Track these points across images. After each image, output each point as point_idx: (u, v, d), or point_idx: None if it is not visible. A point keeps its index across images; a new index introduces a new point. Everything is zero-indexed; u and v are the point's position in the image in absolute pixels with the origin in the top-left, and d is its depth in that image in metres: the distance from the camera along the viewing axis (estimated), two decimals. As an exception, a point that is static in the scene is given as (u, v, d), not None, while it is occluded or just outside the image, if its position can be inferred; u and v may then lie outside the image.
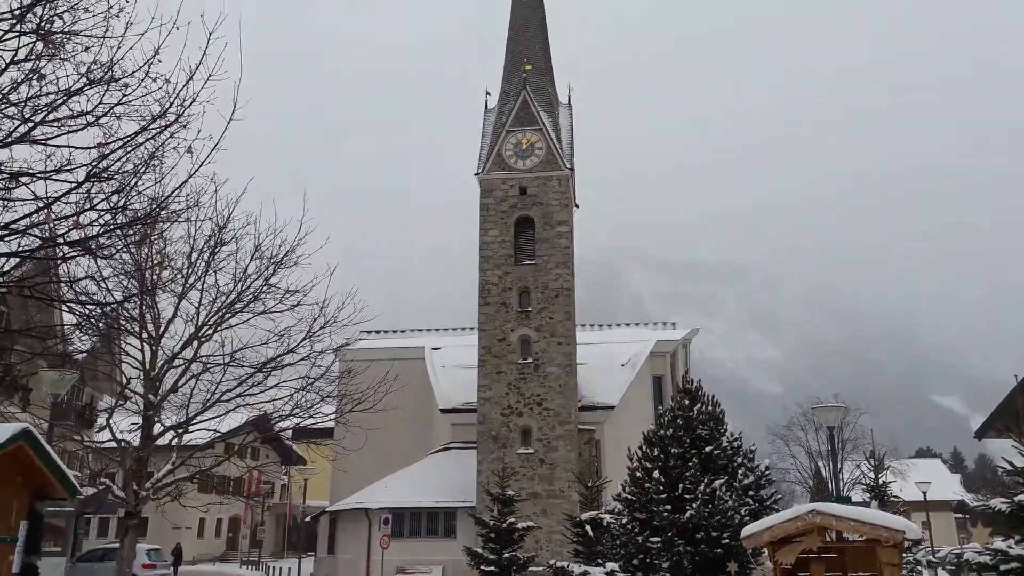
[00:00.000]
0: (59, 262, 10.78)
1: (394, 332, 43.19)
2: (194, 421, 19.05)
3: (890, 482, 26.77)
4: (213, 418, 19.26)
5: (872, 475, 26.15)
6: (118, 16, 9.11)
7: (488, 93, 36.62)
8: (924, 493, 37.60)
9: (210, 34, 9.16)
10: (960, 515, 62.09)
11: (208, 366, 18.79)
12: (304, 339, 18.72)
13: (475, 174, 34.23)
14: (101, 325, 14.78)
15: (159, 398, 18.54)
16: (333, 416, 21.04)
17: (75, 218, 9.46)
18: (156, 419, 18.78)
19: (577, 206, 35.92)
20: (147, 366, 18.52)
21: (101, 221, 9.83)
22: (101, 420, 23.79)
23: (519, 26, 37.39)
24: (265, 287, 18.55)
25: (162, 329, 18.62)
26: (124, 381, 19.60)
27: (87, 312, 11.68)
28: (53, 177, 9.47)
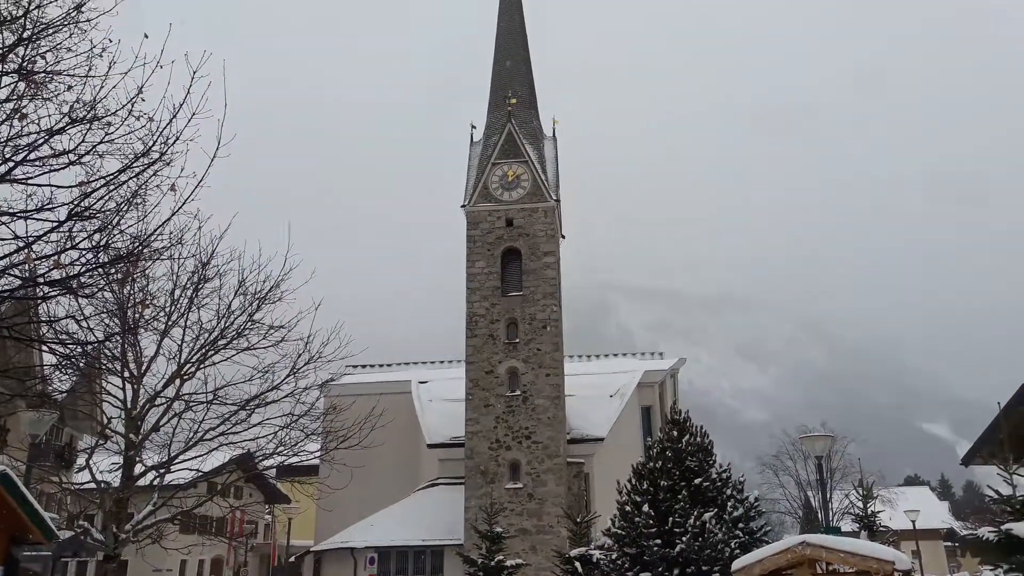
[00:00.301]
0: (39, 302, 10.65)
1: (380, 366, 42.89)
2: (176, 460, 18.74)
3: (879, 511, 26.66)
4: (196, 457, 18.97)
5: (861, 504, 26.06)
6: (101, 56, 9.12)
7: (473, 126, 36.88)
8: (913, 522, 37.55)
9: (194, 73, 9.17)
10: (949, 543, 61.91)
11: (191, 404, 18.55)
12: (288, 375, 18.56)
13: (461, 206, 34.32)
14: (82, 364, 14.57)
15: (140, 437, 18.26)
16: (318, 454, 20.79)
17: (56, 257, 9.37)
18: (137, 459, 18.47)
19: (563, 237, 36.06)
20: (128, 405, 18.26)
21: (83, 260, 9.74)
22: (81, 460, 23.39)
23: (503, 60, 37.77)
24: (249, 323, 18.41)
25: (144, 367, 18.39)
26: (105, 421, 19.30)
27: (68, 352, 11.51)
28: (34, 216, 9.38)
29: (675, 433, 22.49)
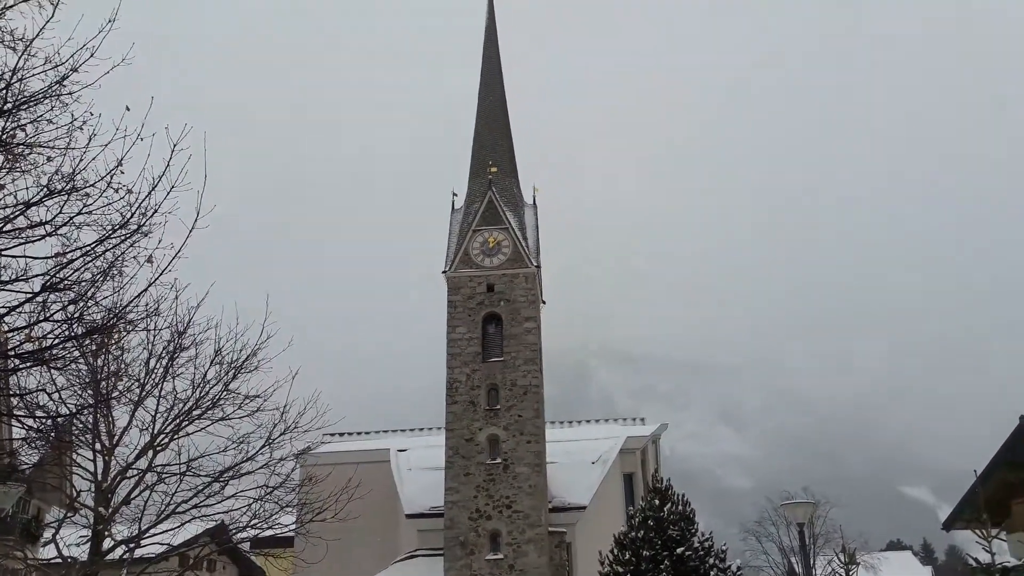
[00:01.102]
0: (9, 374, 10.45)
1: (358, 434, 42.23)
2: (147, 534, 18.19)
3: (864, 580, 26.32)
4: (167, 531, 18.43)
5: (843, 571, 25.69)
6: (82, 128, 9.19)
7: (455, 194, 37.25)
8: (899, 590, 37.03)
9: (174, 146, 9.23)
10: (935, 610, 61.08)
11: (163, 476, 18.11)
12: (264, 446, 18.21)
13: (442, 272, 34.45)
14: (52, 437, 14.24)
15: (111, 511, 17.74)
16: (292, 527, 20.26)
17: (29, 330, 9.24)
18: (106, 533, 17.91)
19: (544, 302, 36.14)
20: (99, 477, 17.78)
21: (56, 332, 9.61)
22: (47, 534, 22.66)
23: (484, 130, 38.39)
24: (224, 393, 18.12)
25: (116, 439, 17.98)
26: (74, 494, 18.76)
27: (38, 426, 11.24)
28: (7, 287, 9.28)
29: (657, 502, 22.29)
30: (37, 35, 9.18)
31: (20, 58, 9.21)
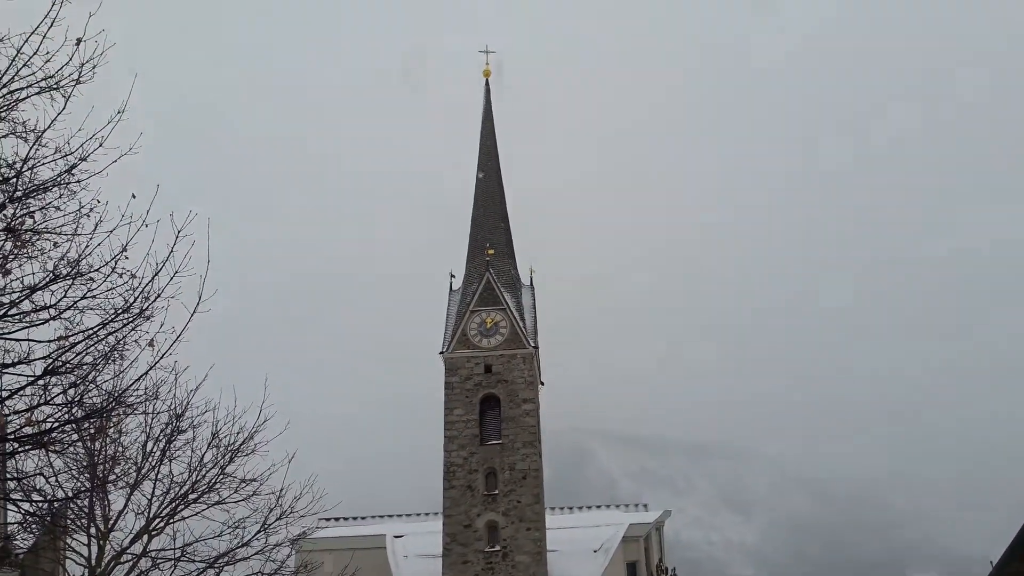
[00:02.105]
0: (8, 458, 10.45)
1: (354, 519, 41.45)
2: (139, 624, 17.72)
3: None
4: (160, 620, 17.95)
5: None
6: (88, 215, 9.47)
7: (452, 275, 37.64)
8: None
9: (178, 232, 9.50)
10: None
11: (157, 561, 17.77)
12: (259, 531, 17.93)
13: (440, 352, 34.52)
14: (48, 521, 14.09)
15: (102, 600, 17.32)
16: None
17: (29, 413, 9.31)
18: (97, 624, 17.45)
19: (542, 383, 36.05)
20: (92, 563, 17.44)
21: (56, 415, 9.68)
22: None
23: (481, 212, 39.06)
24: (221, 476, 17.96)
25: (112, 523, 17.72)
26: (66, 581, 18.36)
27: (35, 510, 11.16)
28: (9, 371, 9.39)
29: (660, 589, 21.80)
30: (48, 126, 9.53)
31: (31, 148, 9.55)
